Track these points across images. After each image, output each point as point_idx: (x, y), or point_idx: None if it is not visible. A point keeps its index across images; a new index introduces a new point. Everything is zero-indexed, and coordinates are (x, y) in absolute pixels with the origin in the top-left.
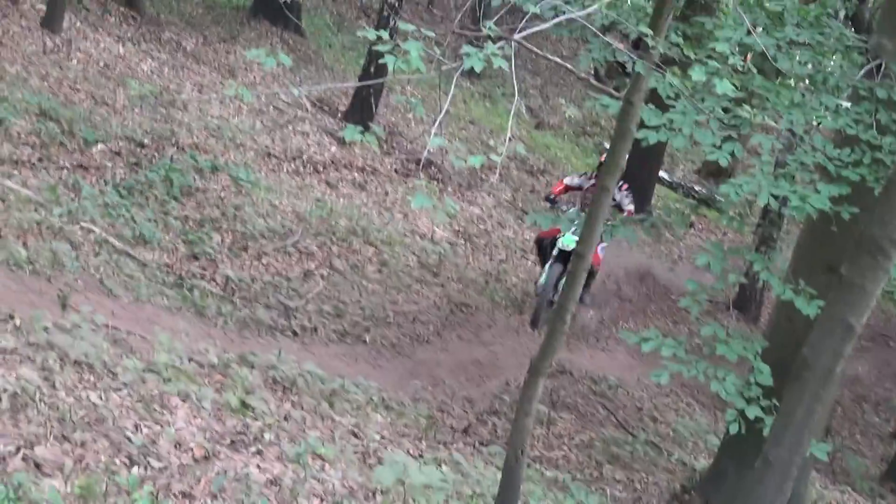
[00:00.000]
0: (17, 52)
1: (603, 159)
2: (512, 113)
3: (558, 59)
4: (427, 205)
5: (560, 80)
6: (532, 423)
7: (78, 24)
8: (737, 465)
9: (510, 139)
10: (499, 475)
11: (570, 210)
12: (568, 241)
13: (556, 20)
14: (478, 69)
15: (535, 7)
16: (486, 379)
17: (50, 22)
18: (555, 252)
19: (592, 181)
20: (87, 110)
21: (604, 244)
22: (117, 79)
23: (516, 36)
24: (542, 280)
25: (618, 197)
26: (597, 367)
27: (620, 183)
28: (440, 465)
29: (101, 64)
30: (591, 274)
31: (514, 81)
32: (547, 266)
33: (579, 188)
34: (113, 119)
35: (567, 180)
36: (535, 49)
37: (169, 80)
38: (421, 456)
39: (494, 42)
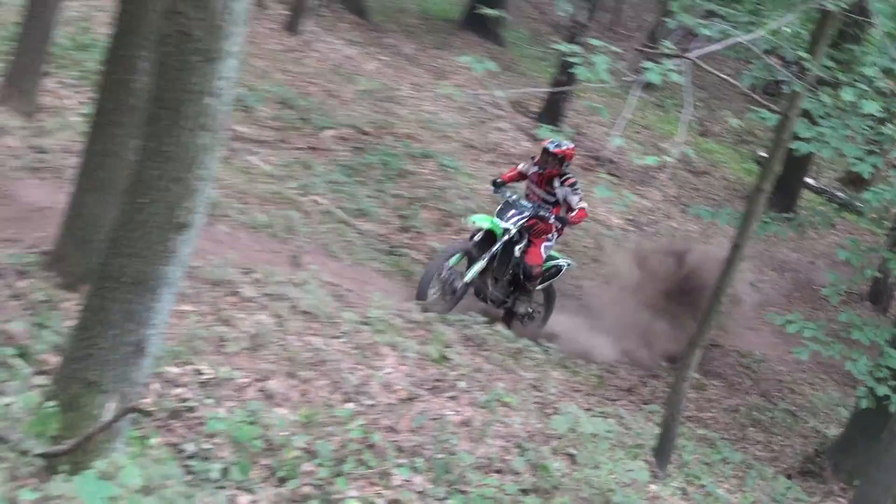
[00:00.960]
0: (263, 49)
1: (545, 143)
2: (683, 121)
3: (725, 76)
4: (609, 195)
5: (723, 95)
6: (687, 388)
7: (315, 28)
8: (864, 436)
9: (682, 143)
10: (657, 430)
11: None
12: (479, 218)
13: (728, 42)
14: (656, 82)
15: (708, 30)
16: (649, 345)
17: (291, 26)
18: (477, 238)
19: (535, 168)
20: (319, 101)
21: (549, 243)
22: (346, 76)
23: (693, 55)
24: (450, 260)
25: (560, 194)
26: (745, 344)
27: (566, 176)
28: (606, 418)
29: (333, 63)
30: (529, 276)
31: (690, 94)
32: (460, 246)
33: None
34: (340, 110)
35: (521, 167)
36: (707, 67)
37: (389, 78)
38: (590, 409)
39: (671, 59)
